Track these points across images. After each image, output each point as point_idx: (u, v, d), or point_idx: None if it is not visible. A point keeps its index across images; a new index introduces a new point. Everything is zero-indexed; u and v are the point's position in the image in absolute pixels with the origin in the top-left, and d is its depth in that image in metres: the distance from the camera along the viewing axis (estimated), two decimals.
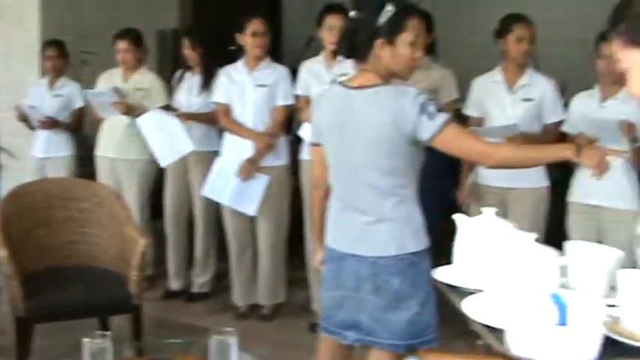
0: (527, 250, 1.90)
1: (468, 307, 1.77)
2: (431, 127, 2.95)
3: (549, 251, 1.92)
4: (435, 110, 2.96)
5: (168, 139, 5.56)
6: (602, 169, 3.24)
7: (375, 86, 3.06)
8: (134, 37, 6.03)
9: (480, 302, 1.78)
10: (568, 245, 1.97)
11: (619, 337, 1.63)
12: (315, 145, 3.36)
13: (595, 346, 1.56)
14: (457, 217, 2.05)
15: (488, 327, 1.78)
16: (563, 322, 1.56)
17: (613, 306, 1.79)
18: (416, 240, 3.11)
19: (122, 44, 5.97)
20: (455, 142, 2.94)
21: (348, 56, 3.35)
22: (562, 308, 1.56)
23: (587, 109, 4.63)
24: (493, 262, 2.19)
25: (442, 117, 2.95)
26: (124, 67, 6.03)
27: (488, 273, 2.24)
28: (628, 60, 1.85)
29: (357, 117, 3.08)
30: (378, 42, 3.05)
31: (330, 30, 5.09)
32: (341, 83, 3.25)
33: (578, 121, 4.64)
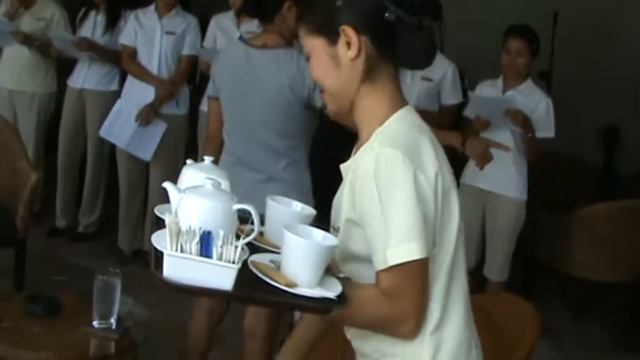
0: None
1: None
2: None
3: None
4: None
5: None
6: (484, 160, 3.37)
7: (277, 48, 3.12)
8: None
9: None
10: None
11: (260, 275, 1.75)
12: (213, 98, 3.38)
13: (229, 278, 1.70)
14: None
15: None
16: (207, 254, 1.71)
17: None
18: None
19: None
20: None
21: (253, 16, 3.40)
22: (208, 242, 1.71)
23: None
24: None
25: None
26: None
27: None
28: (309, 46, 1.93)
29: (257, 76, 3.14)
30: (287, 4, 3.10)
31: None
32: (244, 41, 3.28)
33: (478, 105, 4.79)
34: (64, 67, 6.01)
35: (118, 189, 5.68)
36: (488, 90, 4.85)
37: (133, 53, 5.42)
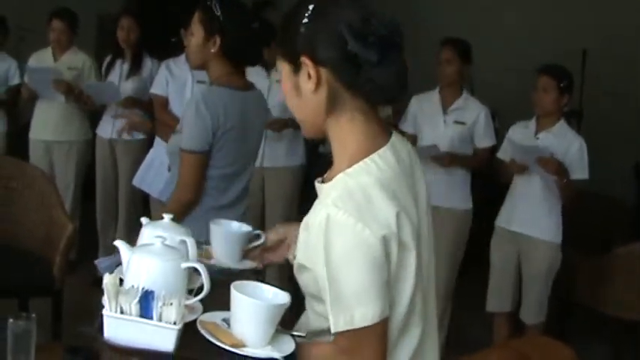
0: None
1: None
2: None
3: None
4: None
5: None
6: None
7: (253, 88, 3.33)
8: (70, 18, 5.94)
9: None
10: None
11: (206, 334, 1.75)
12: (199, 153, 3.29)
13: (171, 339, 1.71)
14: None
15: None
16: (147, 315, 1.73)
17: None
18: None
19: (57, 24, 5.88)
20: None
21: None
22: (148, 302, 1.73)
23: (522, 140, 4.76)
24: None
25: None
26: (57, 46, 5.95)
27: None
28: (281, 70, 1.83)
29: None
30: None
31: None
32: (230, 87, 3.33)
33: (513, 149, 4.77)
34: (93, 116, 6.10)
35: None
36: (520, 131, 4.83)
37: (164, 102, 5.47)
